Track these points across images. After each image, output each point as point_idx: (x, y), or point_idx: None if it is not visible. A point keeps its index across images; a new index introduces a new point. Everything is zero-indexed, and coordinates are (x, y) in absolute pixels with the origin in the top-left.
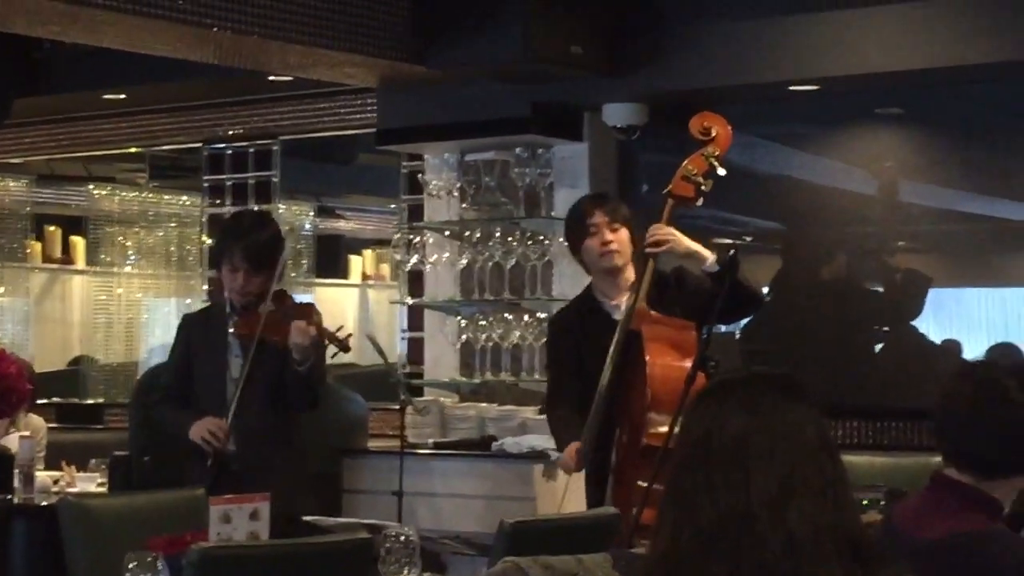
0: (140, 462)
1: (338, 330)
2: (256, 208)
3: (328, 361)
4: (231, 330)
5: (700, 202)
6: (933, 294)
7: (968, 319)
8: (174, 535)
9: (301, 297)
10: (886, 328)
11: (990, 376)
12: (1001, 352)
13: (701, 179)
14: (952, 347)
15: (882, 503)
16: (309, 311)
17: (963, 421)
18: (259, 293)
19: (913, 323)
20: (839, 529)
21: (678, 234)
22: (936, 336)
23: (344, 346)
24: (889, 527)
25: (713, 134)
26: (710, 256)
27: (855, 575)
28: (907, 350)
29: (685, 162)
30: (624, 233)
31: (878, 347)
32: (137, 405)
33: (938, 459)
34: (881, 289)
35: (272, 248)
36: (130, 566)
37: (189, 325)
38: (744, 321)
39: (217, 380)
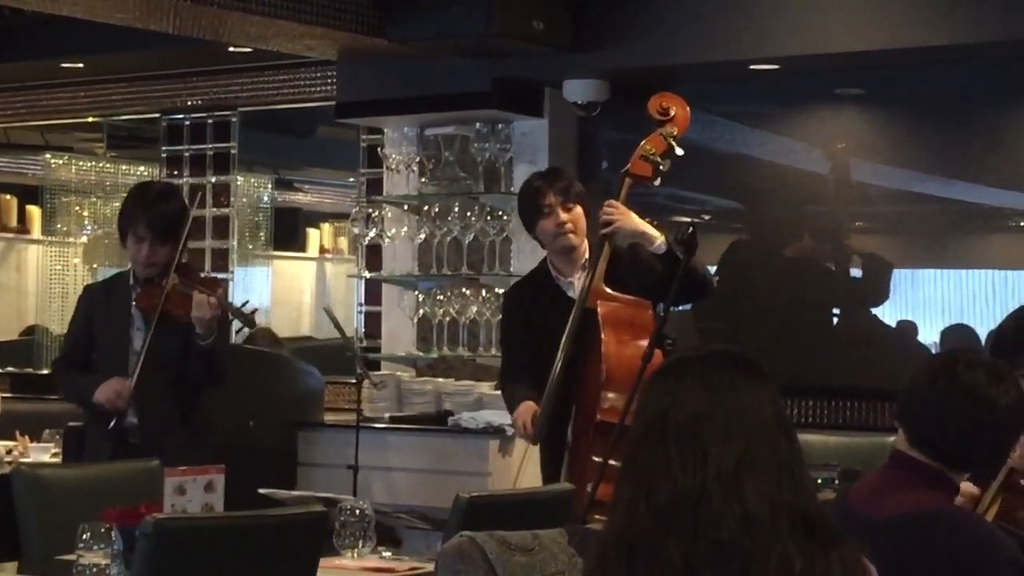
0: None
1: (243, 305)
2: (163, 180)
3: (235, 337)
4: (134, 302)
5: (658, 182)
6: None
7: (924, 300)
8: (128, 506)
9: (258, 270)
10: (842, 310)
11: (963, 367)
12: (957, 334)
13: (659, 159)
14: (908, 328)
15: (836, 482)
16: (213, 284)
17: (930, 409)
18: (164, 265)
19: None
20: (795, 507)
21: (627, 213)
22: (892, 317)
23: (249, 321)
24: (843, 505)
25: (672, 114)
26: (658, 237)
27: (810, 553)
28: (863, 330)
29: (643, 142)
30: (578, 211)
31: (834, 327)
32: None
33: (892, 439)
34: (839, 269)
35: (178, 219)
36: (84, 536)
37: (91, 296)
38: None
39: (119, 353)
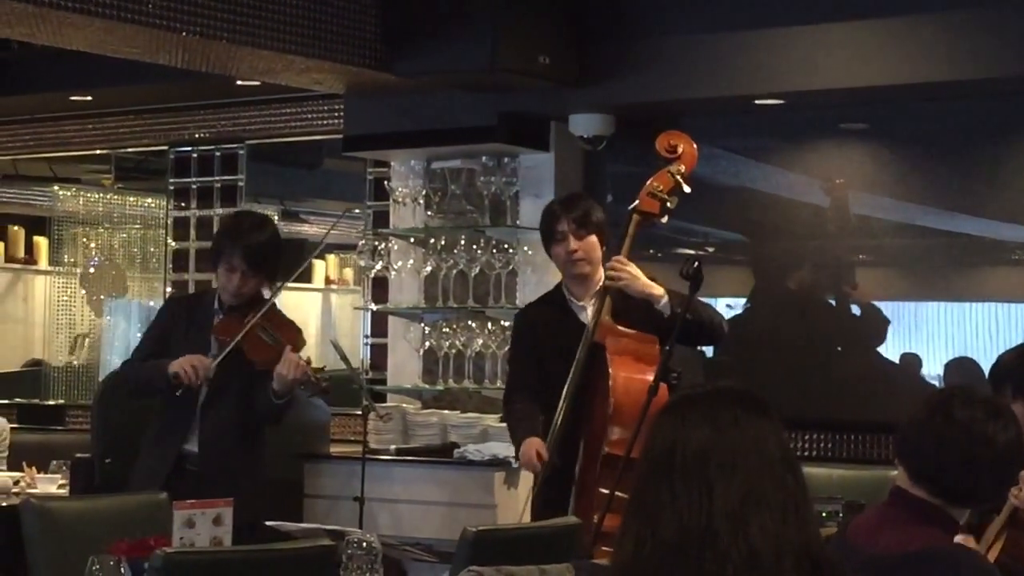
0: (102, 464)
1: (319, 372)
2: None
3: None
4: (213, 330)
5: (665, 219)
6: (893, 308)
7: (928, 334)
8: (137, 539)
9: None
10: (845, 344)
11: (960, 404)
12: (960, 367)
13: (667, 196)
14: (911, 361)
15: (840, 515)
16: (294, 338)
17: (929, 446)
18: (251, 297)
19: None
20: (800, 545)
21: (634, 272)
22: (895, 350)
23: (325, 391)
24: (843, 540)
25: (679, 152)
26: (663, 297)
27: None
28: (867, 364)
29: (651, 179)
30: (592, 239)
31: (838, 360)
32: (100, 406)
33: (895, 472)
34: (844, 304)
35: (270, 251)
36: (93, 569)
37: (174, 307)
38: None
39: None
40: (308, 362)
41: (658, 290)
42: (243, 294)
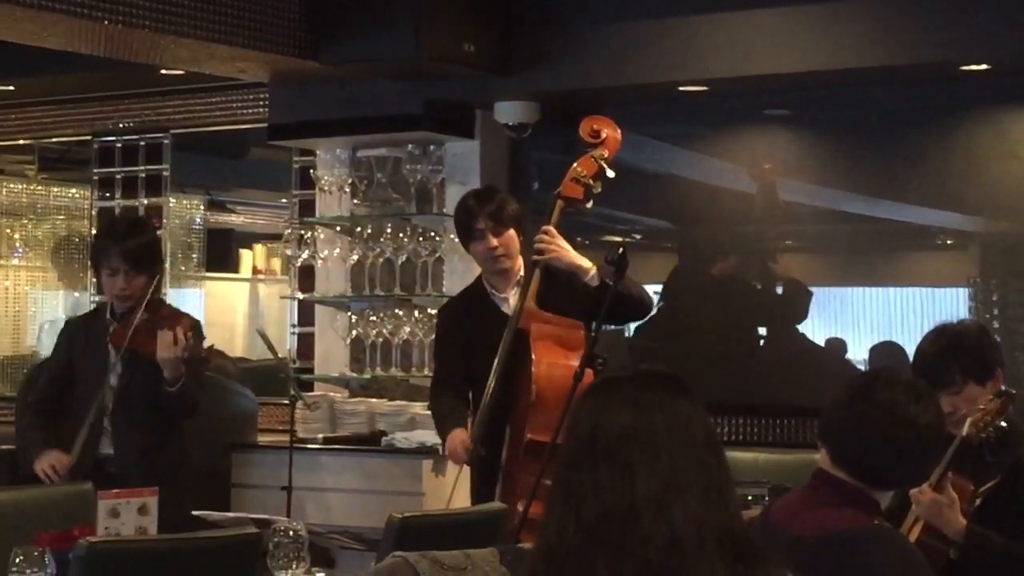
0: (27, 456)
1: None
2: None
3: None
4: (108, 338)
5: (590, 204)
6: (818, 293)
7: (853, 318)
8: (62, 530)
9: (191, 291)
10: (770, 329)
11: (883, 387)
12: (885, 351)
13: (591, 181)
14: (836, 346)
15: (766, 499)
16: (177, 322)
17: (851, 428)
18: (140, 298)
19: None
20: (722, 528)
21: (562, 245)
22: (820, 335)
23: (206, 359)
24: (766, 522)
25: (603, 137)
26: (591, 270)
27: (737, 573)
28: (792, 348)
29: (575, 164)
30: (510, 234)
31: (763, 345)
32: (24, 399)
33: (819, 455)
34: (764, 288)
35: (151, 249)
36: (17, 561)
37: (72, 329)
38: None
39: (95, 387)
40: (186, 337)
41: (586, 263)
42: (129, 296)
